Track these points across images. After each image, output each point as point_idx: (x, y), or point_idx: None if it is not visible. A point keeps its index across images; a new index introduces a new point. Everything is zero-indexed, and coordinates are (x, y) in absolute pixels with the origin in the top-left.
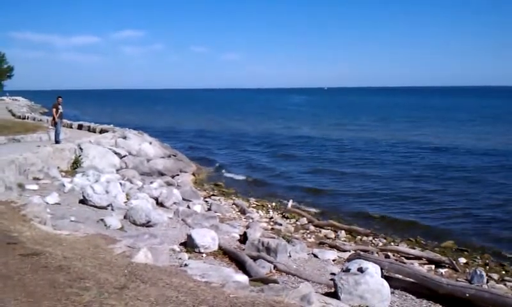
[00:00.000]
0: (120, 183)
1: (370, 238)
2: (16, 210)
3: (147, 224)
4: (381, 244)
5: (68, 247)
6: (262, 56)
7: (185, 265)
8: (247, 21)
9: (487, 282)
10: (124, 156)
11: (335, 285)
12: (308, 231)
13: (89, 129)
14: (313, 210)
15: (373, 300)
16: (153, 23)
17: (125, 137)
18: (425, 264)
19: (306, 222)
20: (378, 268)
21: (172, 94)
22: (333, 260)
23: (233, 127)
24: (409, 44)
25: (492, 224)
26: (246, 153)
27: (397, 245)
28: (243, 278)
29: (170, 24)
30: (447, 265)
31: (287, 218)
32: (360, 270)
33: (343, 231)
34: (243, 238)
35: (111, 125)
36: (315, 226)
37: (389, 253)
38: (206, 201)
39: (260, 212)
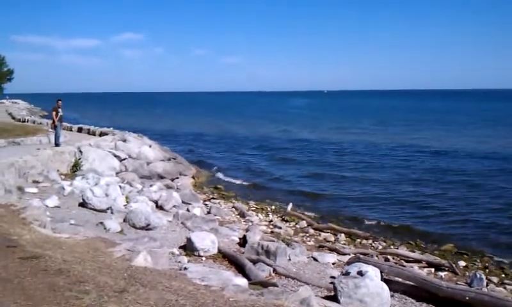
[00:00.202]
0: (120, 186)
1: (370, 241)
2: (16, 213)
3: (147, 228)
4: (380, 247)
5: (67, 250)
6: (262, 59)
7: (185, 268)
8: (247, 24)
9: (487, 285)
10: (124, 159)
11: (335, 288)
12: (307, 235)
13: (89, 132)
14: (312, 214)
15: (373, 303)
16: (154, 26)
17: (124, 140)
18: (424, 267)
19: (306, 225)
20: (378, 271)
21: (172, 97)
22: (333, 263)
23: (233, 130)
24: (410, 47)
25: (492, 227)
26: (246, 157)
27: (397, 249)
28: (243, 281)
29: (170, 27)
30: (446, 268)
31: (287, 221)
32: (360, 273)
33: (342, 235)
34: (243, 242)
35: (111, 128)
36: (315, 229)
37: (389, 256)
38: (205, 204)
39: (259, 215)
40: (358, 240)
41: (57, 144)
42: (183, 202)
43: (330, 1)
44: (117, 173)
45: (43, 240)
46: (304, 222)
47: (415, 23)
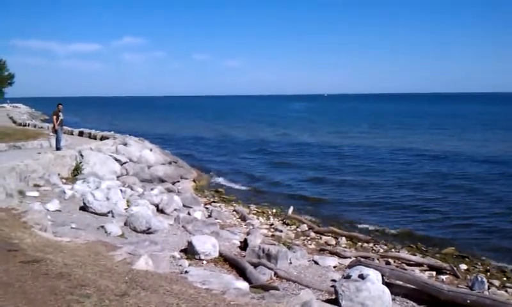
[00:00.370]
0: (121, 190)
1: (371, 244)
2: (17, 217)
3: (148, 231)
4: (381, 250)
5: (68, 254)
6: (263, 63)
7: (186, 272)
8: (248, 28)
9: (488, 288)
10: (125, 163)
11: (336, 292)
12: (308, 238)
13: (90, 136)
14: (313, 217)
15: (374, 306)
16: (155, 31)
17: (125, 144)
18: (426, 270)
19: (307, 228)
20: (379, 274)
21: (173, 101)
22: (334, 267)
23: (234, 134)
24: (410, 51)
25: (493, 230)
26: (246, 161)
27: (398, 252)
28: (244, 285)
29: (171, 31)
30: (448, 272)
31: (288, 224)
32: (361, 276)
33: (344, 238)
34: (244, 245)
35: (112, 132)
36: (316, 232)
37: (390, 260)
38: (206, 208)
39: (260, 218)
40: (359, 243)
41: (58, 148)
42: (184, 205)
43: (331, 5)
44: (118, 177)
45: (44, 243)
46: (305, 225)
47: (415, 27)
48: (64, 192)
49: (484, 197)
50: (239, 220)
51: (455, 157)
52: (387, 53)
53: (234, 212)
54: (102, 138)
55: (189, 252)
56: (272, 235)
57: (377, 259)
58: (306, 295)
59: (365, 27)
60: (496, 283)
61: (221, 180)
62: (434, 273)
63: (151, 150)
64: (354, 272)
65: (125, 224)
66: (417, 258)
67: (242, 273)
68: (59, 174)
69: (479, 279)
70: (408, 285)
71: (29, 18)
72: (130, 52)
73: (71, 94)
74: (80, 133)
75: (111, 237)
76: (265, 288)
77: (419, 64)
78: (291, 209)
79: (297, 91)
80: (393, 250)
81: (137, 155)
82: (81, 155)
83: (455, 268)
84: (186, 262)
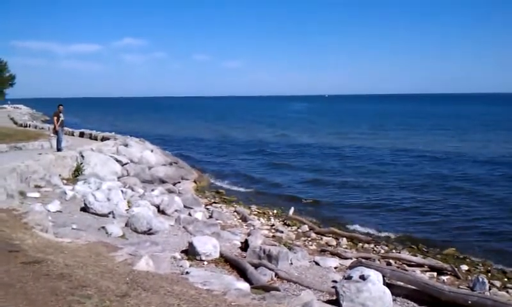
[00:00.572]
0: (122, 191)
1: (372, 245)
2: (18, 217)
3: (148, 232)
4: (382, 251)
5: (69, 255)
6: (263, 63)
7: (187, 272)
8: (248, 29)
9: (489, 289)
10: (125, 163)
11: (337, 293)
12: (309, 239)
13: (90, 137)
14: (313, 219)
15: None
16: (155, 32)
17: (126, 145)
18: (427, 271)
19: (308, 229)
20: (380, 275)
21: (173, 102)
22: (335, 268)
23: (235, 135)
24: (410, 52)
25: (494, 231)
26: (247, 161)
27: (399, 253)
28: (245, 286)
29: (172, 32)
30: (448, 272)
31: (288, 225)
32: (362, 277)
33: (344, 239)
34: (244, 246)
35: (113, 133)
36: (317, 233)
37: (391, 260)
38: (207, 209)
39: (261, 219)
40: (360, 244)
41: (59, 149)
42: (185, 206)
43: (331, 5)
44: (119, 178)
45: (45, 244)
46: (306, 226)
47: (416, 27)
48: (65, 193)
49: (485, 198)
50: (240, 221)
51: (457, 158)
52: (388, 53)
53: (235, 213)
54: (103, 139)
55: (190, 253)
56: (273, 236)
57: (378, 260)
58: (307, 295)
59: (365, 27)
60: (498, 283)
61: (221, 180)
62: (435, 274)
63: (152, 151)
64: (355, 273)
65: (126, 225)
66: (418, 258)
67: (243, 274)
68: (60, 175)
69: (480, 280)
70: (409, 286)
71: (29, 19)
72: (131, 52)
73: (72, 95)
74: (81, 134)
75: (111, 238)
76: (266, 288)
77: (420, 65)
78: (292, 210)
79: (297, 91)
80: (394, 251)
81: (138, 156)
82: (82, 156)
83: (456, 269)
84: (187, 263)
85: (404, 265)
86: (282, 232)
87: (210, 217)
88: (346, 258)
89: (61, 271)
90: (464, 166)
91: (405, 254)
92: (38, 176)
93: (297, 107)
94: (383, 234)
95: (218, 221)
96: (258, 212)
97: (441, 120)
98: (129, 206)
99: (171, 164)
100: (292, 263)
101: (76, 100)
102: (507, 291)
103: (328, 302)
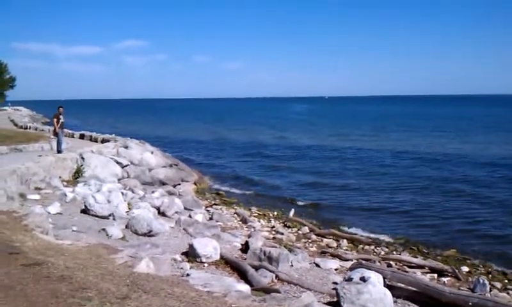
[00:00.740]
0: (122, 193)
1: (372, 247)
2: (18, 219)
3: (149, 234)
4: (383, 252)
5: (70, 257)
6: (263, 65)
7: (187, 274)
8: (248, 29)
9: (490, 291)
10: (126, 165)
11: (337, 294)
12: (309, 240)
13: (91, 139)
14: (314, 221)
15: None
16: (156, 33)
17: (126, 147)
18: (427, 273)
19: (308, 231)
20: (380, 277)
21: (174, 104)
22: (335, 269)
23: (235, 137)
24: (411, 53)
25: (495, 233)
26: (247, 163)
27: (399, 254)
28: (245, 288)
29: (172, 34)
30: (449, 274)
31: (289, 227)
32: (362, 279)
33: (345, 240)
34: (245, 248)
35: (113, 135)
36: (317, 235)
37: (391, 262)
38: (207, 211)
39: (261, 221)
40: (361, 245)
41: (59, 151)
42: (185, 208)
43: (331, 5)
44: (119, 180)
45: (45, 246)
46: (307, 228)
47: (416, 28)
48: (66, 195)
49: (486, 200)
50: (240, 222)
51: (458, 160)
52: (389, 54)
53: (235, 215)
54: (103, 141)
55: (190, 255)
56: (274, 238)
57: (379, 262)
58: (307, 297)
59: (366, 28)
60: (498, 285)
61: (221, 182)
62: (435, 275)
63: (152, 153)
64: (356, 275)
65: (126, 226)
66: (419, 260)
67: (243, 276)
68: (60, 177)
69: (481, 281)
70: (410, 288)
71: (30, 20)
72: (132, 54)
73: (72, 97)
74: (81, 136)
75: (112, 240)
76: (267, 290)
77: (421, 66)
78: (292, 212)
79: (297, 93)
80: (394, 252)
81: (138, 158)
82: (82, 158)
83: (457, 271)
84: (187, 265)
85: (405, 267)
86: (282, 234)
87: (211, 219)
88: (347, 260)
89: (61, 273)
90: (465, 168)
91: (405, 256)
92: (38, 178)
93: (297, 109)
94: (384, 236)
95: (218, 223)
96: (259, 214)
97: (442, 122)
98: (129, 208)
99: (171, 165)
100: (292, 265)
101: (76, 102)
102: (508, 293)
103: (329, 304)
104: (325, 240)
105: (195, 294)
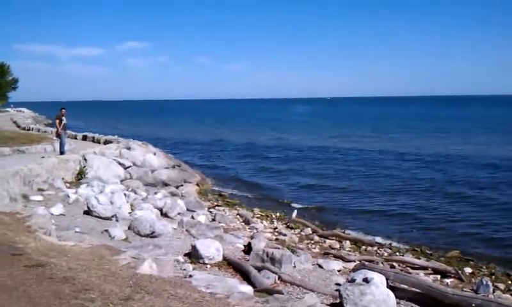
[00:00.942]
0: (125, 194)
1: (375, 248)
2: (21, 221)
3: (151, 235)
4: (386, 254)
5: (72, 258)
6: (264, 66)
7: (190, 276)
8: (249, 31)
9: (493, 292)
10: (128, 167)
11: (340, 296)
12: (312, 242)
13: (93, 140)
14: (317, 222)
15: None
16: (157, 35)
17: (129, 148)
18: (430, 274)
19: (311, 232)
20: (383, 278)
21: (175, 105)
22: (338, 271)
23: (237, 138)
24: (413, 53)
25: (498, 234)
26: (250, 165)
27: (402, 256)
28: (248, 289)
29: (174, 35)
30: (452, 275)
31: (292, 228)
32: (365, 280)
33: (348, 242)
34: (247, 249)
35: (116, 136)
36: (320, 236)
37: (394, 263)
38: (210, 212)
39: (264, 222)
40: (363, 247)
41: (62, 152)
42: (188, 209)
43: (332, 6)
44: (122, 181)
45: (48, 248)
46: (309, 229)
47: (418, 29)
48: (68, 196)
49: (488, 202)
50: (243, 224)
51: (459, 161)
52: (389, 55)
53: (238, 216)
54: (106, 142)
55: (193, 256)
56: (276, 239)
57: (382, 263)
58: (310, 299)
59: (367, 28)
60: (502, 286)
61: (224, 184)
62: (438, 276)
63: (154, 154)
64: (359, 276)
65: (129, 228)
66: (422, 261)
67: (246, 277)
68: (63, 179)
69: (484, 282)
70: (413, 289)
71: (32, 22)
72: (134, 56)
73: (74, 99)
74: (84, 138)
75: (115, 241)
76: (270, 291)
77: (422, 67)
78: (295, 213)
79: (299, 94)
80: (397, 253)
81: (140, 159)
82: (85, 159)
83: (460, 272)
84: (190, 266)
85: (408, 268)
86: (285, 235)
87: (213, 220)
88: (349, 261)
89: (64, 274)
90: (467, 169)
91: (408, 257)
92: (41, 179)
93: (299, 110)
94: (386, 237)
95: (221, 224)
96: (261, 215)
97: (443, 122)
98: (132, 209)
99: (173, 167)
100: (295, 266)
101: (79, 103)
102: (511, 294)
103: (332, 305)
104: (328, 241)
105: (198, 295)
